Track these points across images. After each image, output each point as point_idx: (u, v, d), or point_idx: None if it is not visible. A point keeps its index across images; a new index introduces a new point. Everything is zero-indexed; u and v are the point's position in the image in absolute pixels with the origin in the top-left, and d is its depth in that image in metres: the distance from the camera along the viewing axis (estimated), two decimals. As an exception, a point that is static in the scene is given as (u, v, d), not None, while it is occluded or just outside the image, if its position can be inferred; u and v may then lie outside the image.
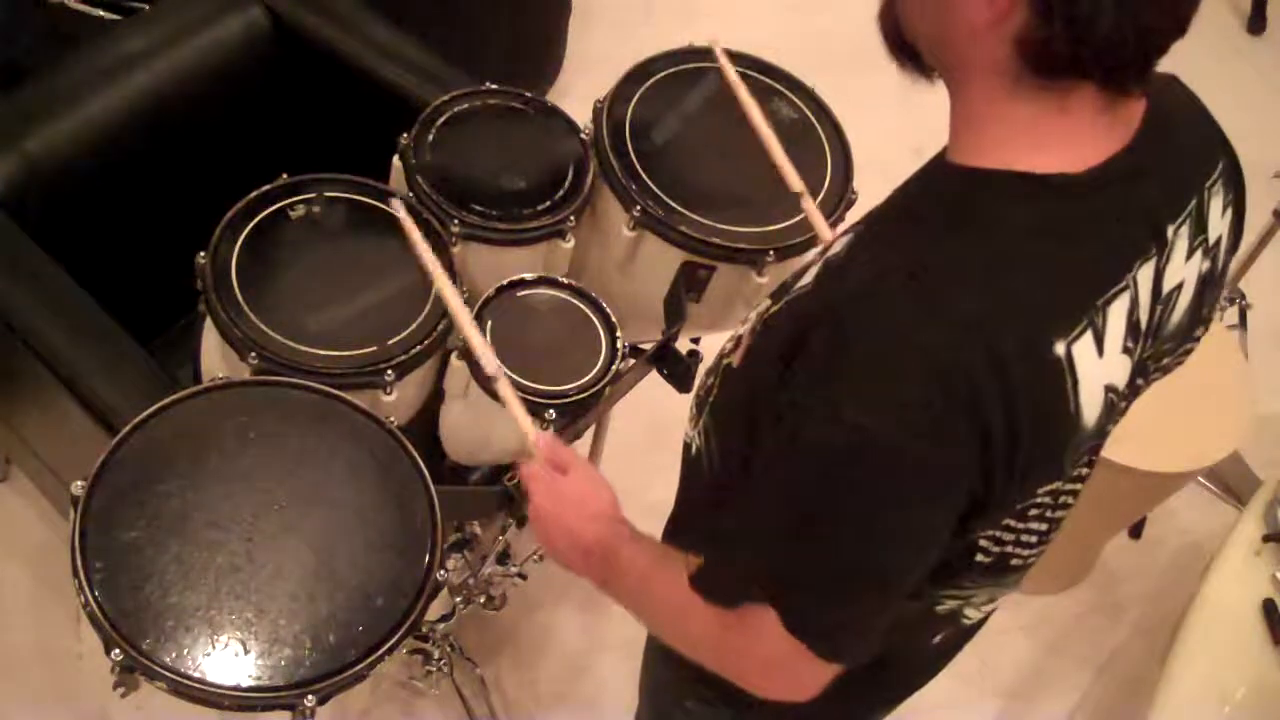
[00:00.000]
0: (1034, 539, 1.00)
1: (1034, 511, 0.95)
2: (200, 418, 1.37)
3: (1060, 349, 0.83)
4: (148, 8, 2.05)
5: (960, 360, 0.80)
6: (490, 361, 1.34)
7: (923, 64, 0.90)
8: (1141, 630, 2.34)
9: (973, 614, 1.12)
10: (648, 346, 1.67)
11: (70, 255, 1.64)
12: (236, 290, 1.48)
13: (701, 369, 1.22)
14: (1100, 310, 0.86)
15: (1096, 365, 0.86)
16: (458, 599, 1.92)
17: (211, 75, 1.87)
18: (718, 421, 1.06)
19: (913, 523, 0.86)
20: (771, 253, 1.58)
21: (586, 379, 1.49)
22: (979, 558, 0.98)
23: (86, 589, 1.22)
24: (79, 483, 1.29)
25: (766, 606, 0.90)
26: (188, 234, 1.51)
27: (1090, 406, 0.87)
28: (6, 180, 1.68)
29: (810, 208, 1.51)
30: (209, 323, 1.49)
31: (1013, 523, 0.96)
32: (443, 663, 1.96)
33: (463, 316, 1.40)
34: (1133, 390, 0.97)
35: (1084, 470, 0.99)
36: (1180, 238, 0.92)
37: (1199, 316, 1.00)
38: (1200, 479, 2.38)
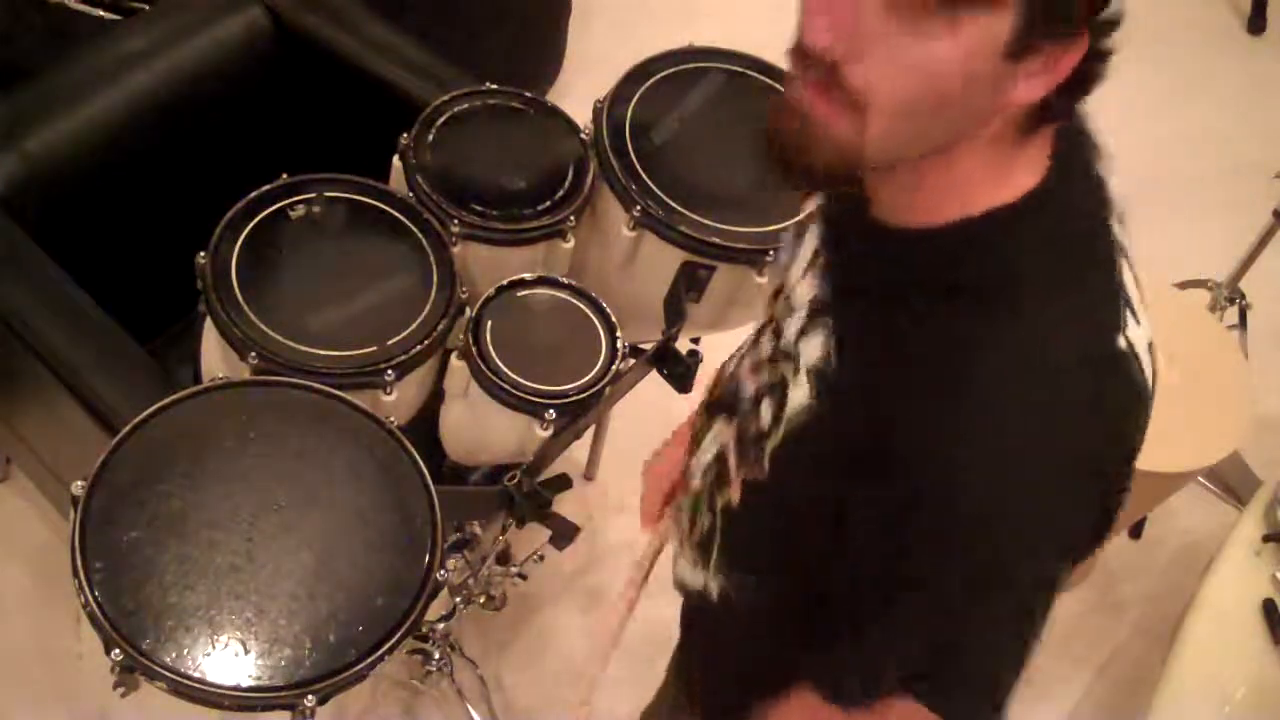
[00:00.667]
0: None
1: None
2: (200, 418, 1.37)
3: (1122, 343, 0.81)
4: (148, 8, 2.04)
5: (1067, 428, 0.78)
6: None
7: (852, 184, 0.83)
8: (1141, 630, 2.33)
9: None
10: (648, 346, 1.68)
11: (70, 255, 1.64)
12: (236, 290, 1.48)
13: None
14: (1121, 286, 0.84)
15: (1140, 333, 0.84)
16: (458, 599, 1.92)
17: (211, 75, 1.86)
18: (749, 559, 1.00)
19: (1045, 605, 0.86)
20: (771, 253, 1.58)
21: (586, 379, 1.49)
22: None
23: (86, 589, 1.22)
24: (79, 483, 1.29)
25: (908, 701, 0.85)
26: (188, 234, 1.51)
27: (1149, 373, 0.85)
28: (6, 180, 1.68)
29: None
30: (209, 323, 1.49)
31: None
32: (443, 663, 1.96)
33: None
34: None
35: None
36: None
37: None
38: (1200, 479, 2.38)
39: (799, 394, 0.90)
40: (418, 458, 1.38)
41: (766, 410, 0.94)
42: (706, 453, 1.05)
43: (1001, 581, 0.81)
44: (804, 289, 0.94)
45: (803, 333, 0.92)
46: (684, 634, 1.22)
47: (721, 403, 1.06)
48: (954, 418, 0.78)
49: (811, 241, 0.97)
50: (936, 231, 0.82)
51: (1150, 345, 0.87)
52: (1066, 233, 0.84)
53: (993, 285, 0.81)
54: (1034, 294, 0.80)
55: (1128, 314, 0.84)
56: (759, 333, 1.03)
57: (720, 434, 1.03)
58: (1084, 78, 0.77)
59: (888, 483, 0.80)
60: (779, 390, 0.92)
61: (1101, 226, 0.86)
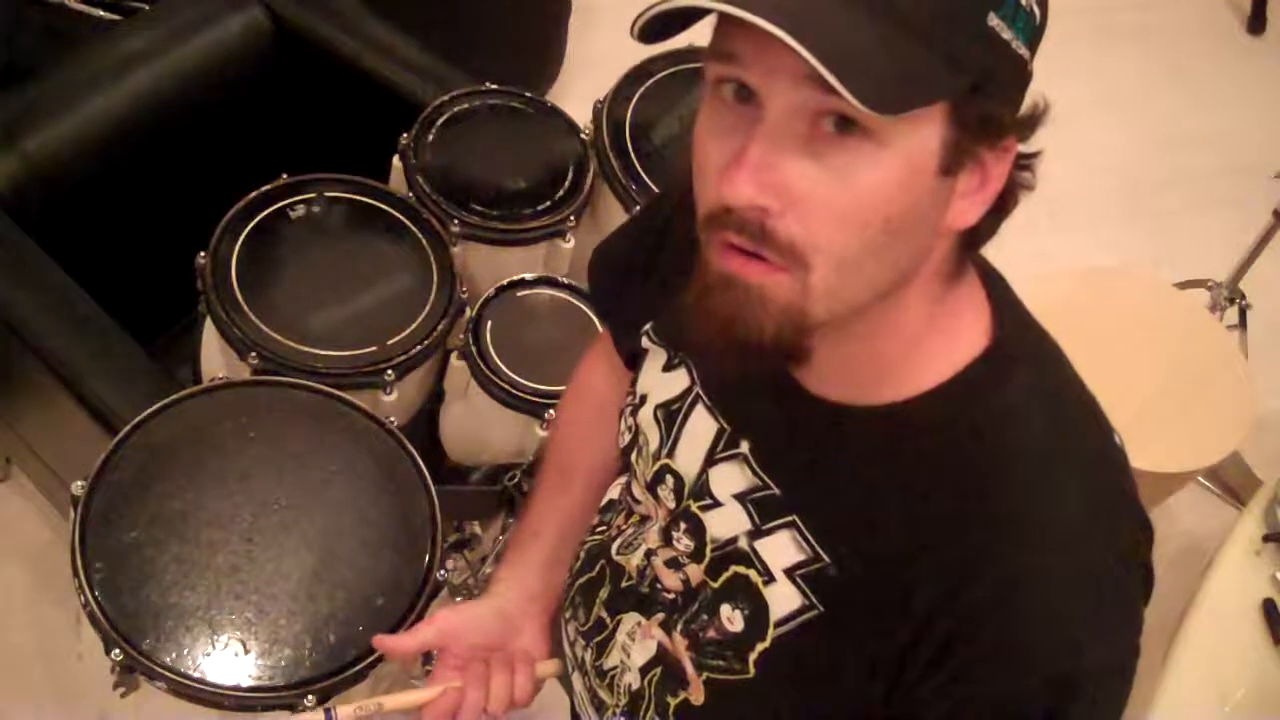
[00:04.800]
0: None
1: None
2: (200, 418, 1.37)
3: (1118, 439, 0.82)
4: (148, 8, 2.04)
5: (1118, 547, 0.78)
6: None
7: (802, 354, 0.74)
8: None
9: None
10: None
11: (70, 255, 1.64)
12: (236, 290, 1.48)
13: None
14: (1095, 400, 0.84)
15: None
16: (458, 599, 1.92)
17: (211, 75, 1.86)
18: None
19: None
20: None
21: (586, 379, 1.49)
22: None
23: (86, 589, 1.22)
24: (79, 483, 1.29)
25: None
26: (188, 234, 1.51)
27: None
28: (6, 180, 1.68)
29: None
30: (209, 323, 1.49)
31: None
32: (443, 663, 1.95)
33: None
34: None
35: None
36: None
37: None
38: (1200, 479, 2.38)
39: (785, 600, 0.83)
40: (418, 458, 1.38)
41: (734, 615, 0.86)
42: (634, 652, 0.96)
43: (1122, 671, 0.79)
44: (723, 481, 0.87)
45: (756, 534, 0.84)
46: None
47: (620, 596, 0.98)
48: (1014, 528, 0.75)
49: (704, 423, 0.89)
50: (909, 408, 0.77)
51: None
52: (1038, 367, 0.80)
53: (992, 435, 0.77)
54: (1032, 444, 0.77)
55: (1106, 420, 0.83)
56: (648, 517, 0.96)
57: (649, 630, 0.95)
58: (1012, 187, 0.73)
59: (965, 632, 0.75)
60: (744, 594, 0.85)
61: (1049, 342, 0.83)
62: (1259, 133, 3.12)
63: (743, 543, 0.85)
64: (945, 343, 0.77)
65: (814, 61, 0.60)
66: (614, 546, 1.00)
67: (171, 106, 1.82)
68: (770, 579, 0.83)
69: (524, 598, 1.09)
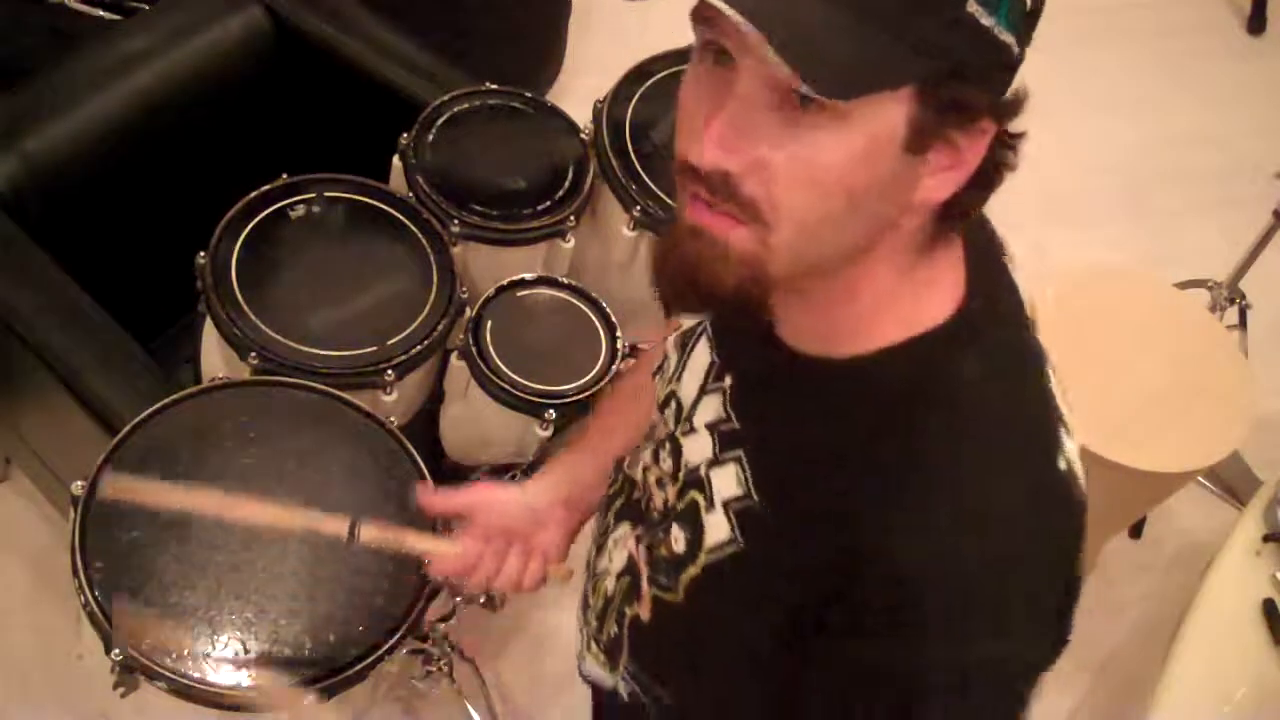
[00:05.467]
0: None
1: None
2: (200, 418, 1.37)
3: (1063, 464, 0.79)
4: (147, 8, 2.04)
5: (1017, 551, 0.76)
6: (338, 527, 1.13)
7: (763, 309, 0.76)
8: (1141, 630, 2.33)
9: None
10: (647, 347, 1.68)
11: (70, 255, 1.64)
12: (236, 290, 1.48)
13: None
14: (1059, 405, 0.82)
15: (1073, 449, 0.82)
16: (458, 599, 1.92)
17: (212, 75, 1.86)
18: (659, 669, 0.97)
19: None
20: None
21: (586, 379, 1.49)
22: None
23: (86, 589, 1.22)
24: (79, 483, 1.29)
25: None
26: (188, 234, 1.51)
27: (1083, 483, 0.83)
28: (6, 180, 1.68)
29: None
30: (209, 323, 1.49)
31: None
32: (443, 663, 1.96)
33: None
34: None
35: None
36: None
37: None
38: (1200, 479, 2.38)
39: (717, 529, 0.86)
40: (418, 458, 1.38)
41: (679, 536, 0.90)
42: (615, 558, 1.01)
43: (1004, 675, 0.79)
44: (704, 410, 0.90)
45: (713, 463, 0.87)
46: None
47: (627, 507, 1.02)
48: (941, 506, 0.75)
49: (703, 355, 0.92)
50: (866, 361, 0.78)
51: (1079, 452, 0.84)
52: (1001, 351, 0.80)
53: (939, 407, 0.76)
54: (975, 427, 0.77)
55: (1062, 432, 0.80)
56: (654, 437, 0.99)
57: (627, 540, 0.99)
58: (995, 166, 0.73)
59: (869, 595, 0.76)
60: (691, 518, 0.88)
61: (1028, 337, 0.82)
62: (1259, 133, 3.12)
63: (702, 470, 0.88)
64: (910, 307, 0.78)
65: (770, 49, 0.61)
66: (628, 461, 1.05)
67: (171, 106, 1.82)
68: (711, 507, 0.86)
69: (555, 501, 1.15)
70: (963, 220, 0.77)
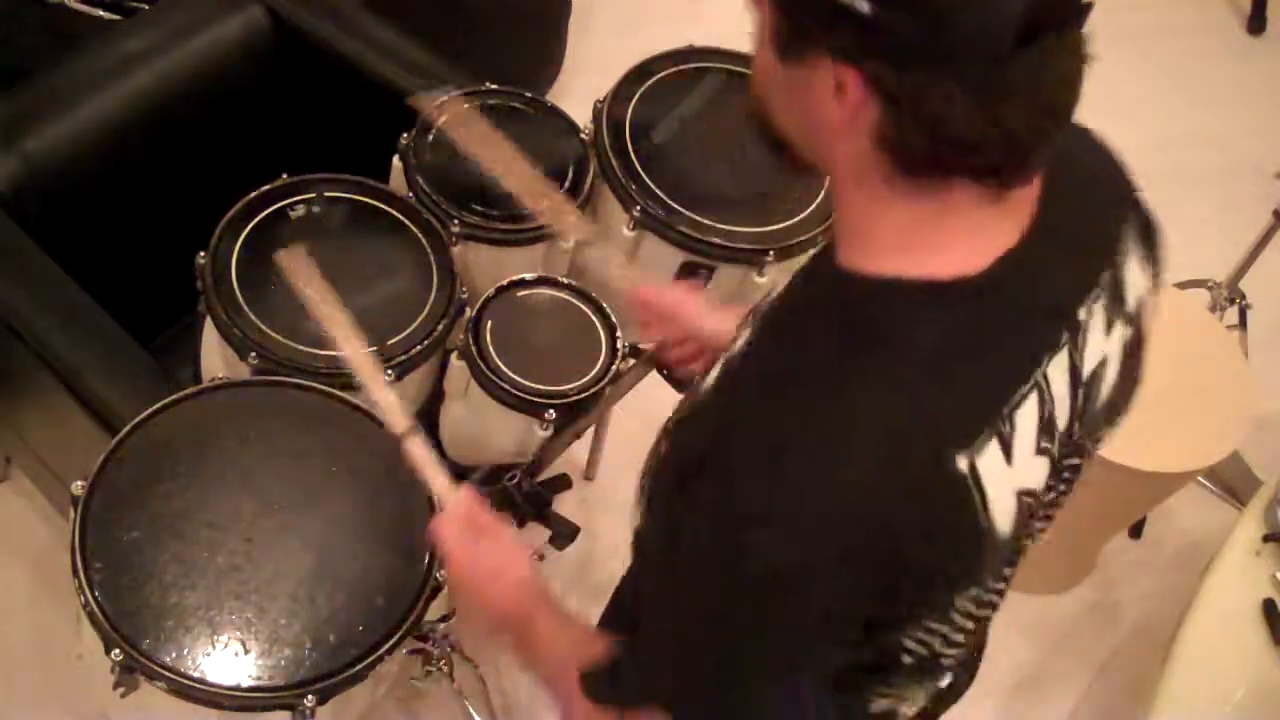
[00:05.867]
0: (962, 637, 0.98)
1: (957, 615, 0.93)
2: (200, 418, 1.37)
3: (963, 464, 0.79)
4: (147, 8, 2.04)
5: (863, 499, 0.77)
6: (399, 421, 1.24)
7: (801, 159, 0.85)
8: (1141, 630, 2.33)
9: (909, 711, 1.08)
10: (648, 346, 1.68)
11: (70, 255, 1.64)
12: (236, 290, 1.48)
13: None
14: (1007, 418, 0.82)
15: (1006, 474, 0.82)
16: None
17: (211, 75, 1.86)
18: (642, 513, 1.02)
19: (808, 652, 0.84)
20: (771, 253, 1.58)
21: (586, 379, 1.49)
22: (905, 659, 0.95)
23: (86, 589, 1.22)
24: (79, 483, 1.29)
25: (661, 711, 0.90)
26: (188, 234, 1.51)
27: (1002, 516, 0.83)
28: (6, 180, 1.68)
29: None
30: (209, 323, 1.49)
31: (935, 625, 0.93)
32: (443, 663, 1.96)
33: (367, 372, 1.30)
34: (1067, 472, 0.94)
35: (1007, 571, 0.96)
36: (1094, 315, 0.88)
37: (1131, 381, 0.96)
38: (1200, 479, 2.38)
39: (711, 377, 0.92)
40: (418, 458, 1.38)
41: (698, 382, 0.97)
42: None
43: (748, 614, 0.81)
44: (774, 292, 0.97)
45: (743, 324, 0.95)
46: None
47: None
48: (788, 460, 0.79)
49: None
50: (846, 276, 0.84)
51: (1020, 494, 0.84)
52: (971, 341, 0.81)
53: (878, 352, 0.80)
54: (889, 391, 0.79)
55: (994, 447, 0.81)
56: None
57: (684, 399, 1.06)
58: (976, 142, 0.74)
59: (704, 486, 0.82)
60: (706, 375, 0.96)
61: (1027, 354, 0.84)
62: (1259, 133, 3.12)
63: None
64: (892, 255, 0.81)
65: None
66: None
67: (171, 106, 1.82)
68: (718, 361, 0.95)
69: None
70: (921, 172, 0.78)
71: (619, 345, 1.53)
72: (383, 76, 1.87)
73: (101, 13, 2.13)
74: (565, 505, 1.59)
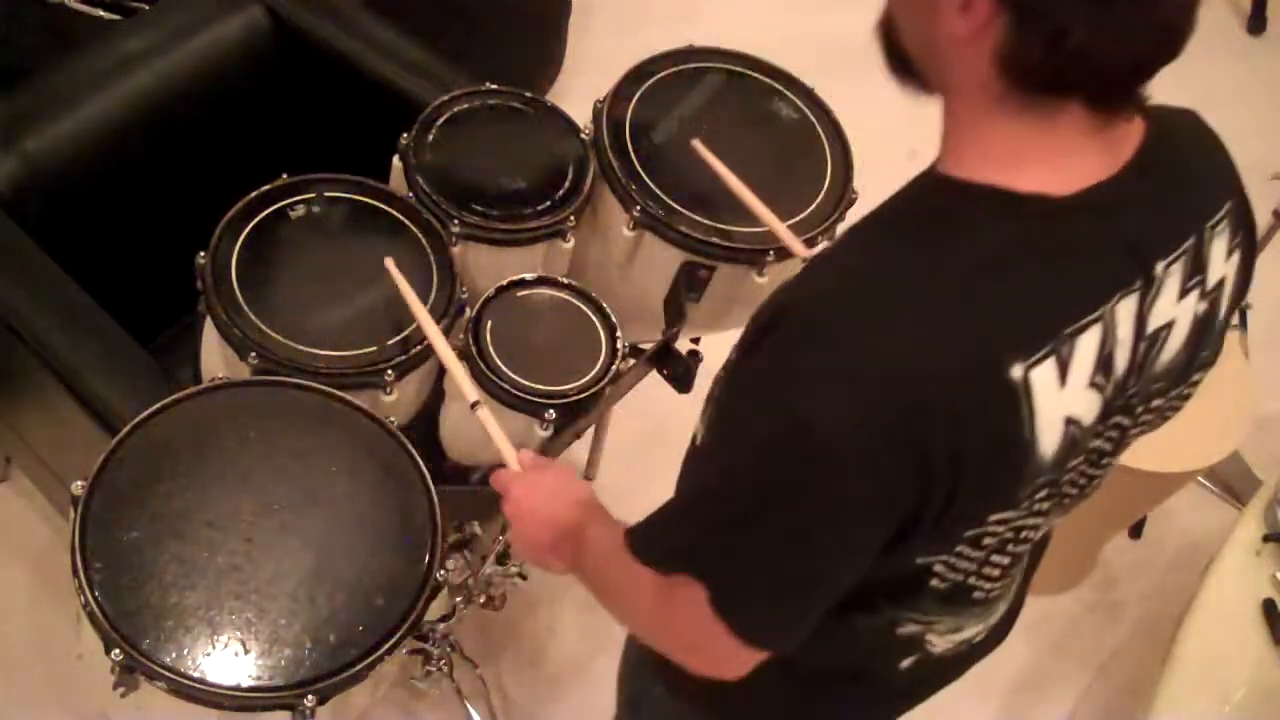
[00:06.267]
0: (996, 572, 0.99)
1: (989, 541, 0.94)
2: (200, 418, 1.37)
3: (1018, 372, 0.82)
4: (147, 8, 2.05)
5: (913, 376, 0.80)
6: (470, 391, 1.37)
7: (920, 78, 0.90)
8: (1141, 630, 2.34)
9: (937, 642, 1.10)
10: (648, 346, 1.68)
11: (70, 255, 1.64)
12: (236, 290, 1.48)
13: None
14: (1068, 340, 0.84)
15: (1057, 395, 0.84)
16: (458, 599, 1.92)
17: (211, 75, 1.87)
18: (707, 409, 1.06)
19: (840, 526, 0.86)
20: (771, 253, 1.58)
21: (586, 379, 1.49)
22: (934, 583, 0.98)
23: (86, 589, 1.22)
24: (79, 483, 1.29)
25: (696, 581, 0.92)
26: (188, 234, 1.51)
27: (1047, 436, 0.86)
28: (6, 180, 1.68)
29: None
30: (209, 323, 1.49)
31: (967, 550, 0.95)
32: (443, 663, 1.96)
33: (441, 345, 1.42)
34: (1113, 429, 0.96)
35: (1043, 505, 0.97)
36: (1171, 275, 0.90)
37: (1196, 359, 0.98)
38: (1200, 479, 2.38)
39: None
40: (418, 458, 1.38)
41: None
42: None
43: (786, 480, 0.84)
44: None
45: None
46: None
47: None
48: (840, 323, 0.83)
49: None
50: (937, 179, 0.88)
51: (1068, 420, 0.87)
52: (1046, 257, 0.84)
53: (947, 244, 0.84)
54: (956, 283, 0.82)
55: (1050, 365, 0.83)
56: None
57: None
58: (1096, 60, 0.78)
59: (764, 348, 0.86)
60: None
61: (1098, 284, 0.86)
62: (1259, 133, 3.11)
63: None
64: (991, 159, 0.85)
65: None
66: None
67: (171, 106, 1.82)
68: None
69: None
70: (1035, 88, 0.81)
71: (619, 345, 1.53)
72: (383, 76, 1.87)
73: (101, 13, 2.13)
74: (565, 505, 1.59)
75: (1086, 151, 0.85)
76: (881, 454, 0.81)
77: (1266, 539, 1.70)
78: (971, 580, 0.98)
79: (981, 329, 0.82)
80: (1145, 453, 1.98)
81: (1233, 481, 2.43)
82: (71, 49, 1.87)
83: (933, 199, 0.88)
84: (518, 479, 1.20)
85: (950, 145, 0.88)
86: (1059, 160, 0.84)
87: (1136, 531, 2.43)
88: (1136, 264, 0.88)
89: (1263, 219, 2.28)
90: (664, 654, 1.04)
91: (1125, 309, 0.87)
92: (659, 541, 0.99)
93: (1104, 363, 0.87)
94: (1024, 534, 0.97)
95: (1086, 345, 0.85)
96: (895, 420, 0.80)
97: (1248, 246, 0.99)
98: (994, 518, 0.91)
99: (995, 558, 0.97)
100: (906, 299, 0.82)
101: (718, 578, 0.91)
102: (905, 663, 1.13)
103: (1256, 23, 3.45)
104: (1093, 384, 0.87)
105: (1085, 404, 0.88)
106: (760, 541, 0.88)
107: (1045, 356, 0.83)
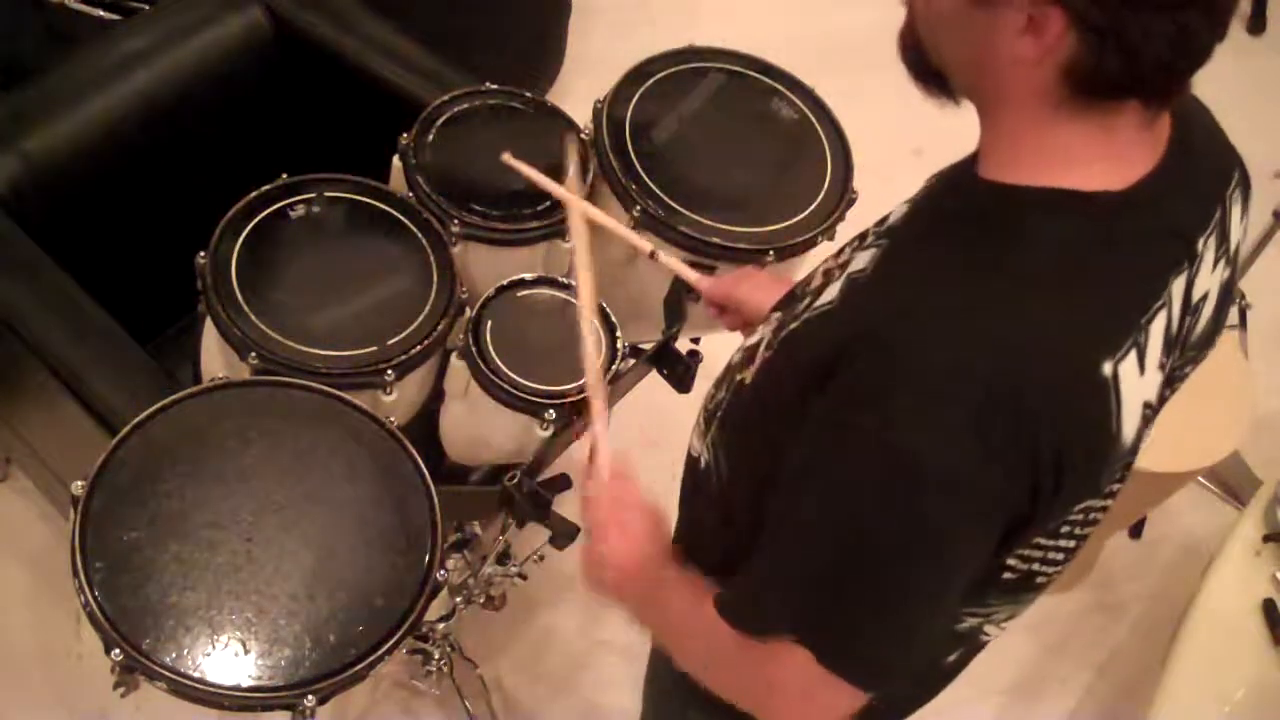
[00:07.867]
0: (1060, 555, 0.98)
1: (1065, 529, 0.95)
2: (200, 418, 1.37)
3: (1108, 369, 0.83)
4: (148, 8, 2.05)
5: (1011, 385, 0.79)
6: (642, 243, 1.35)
7: (947, 87, 0.90)
8: (1141, 630, 2.33)
9: (992, 631, 1.10)
10: (648, 346, 1.67)
11: (70, 255, 1.64)
12: (236, 290, 1.48)
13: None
14: (1144, 328, 0.86)
15: (1138, 383, 0.86)
16: (458, 599, 1.92)
17: (211, 75, 1.86)
18: (728, 438, 1.04)
19: (958, 548, 0.85)
20: (771, 253, 1.58)
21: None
22: (1006, 575, 0.97)
23: (86, 589, 1.22)
24: (79, 483, 1.29)
25: (802, 645, 0.89)
26: (188, 234, 1.51)
27: (1130, 424, 0.87)
28: (6, 180, 1.68)
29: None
30: (209, 323, 1.49)
31: (1043, 540, 0.95)
32: (443, 663, 1.96)
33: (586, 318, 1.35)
34: (1161, 404, 0.97)
35: (1116, 486, 0.98)
36: (1208, 249, 0.93)
37: (1219, 323, 1.01)
38: (1200, 479, 2.38)
39: (829, 294, 0.94)
40: (418, 458, 1.38)
41: (803, 306, 0.98)
42: (753, 338, 1.07)
43: (896, 514, 0.82)
44: (894, 215, 0.99)
45: (862, 246, 0.96)
46: (681, 492, 1.24)
47: (782, 301, 1.11)
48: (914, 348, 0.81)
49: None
50: (992, 186, 0.87)
51: (1145, 405, 0.88)
52: (1117, 251, 0.85)
53: (1025, 255, 0.83)
54: (1038, 291, 0.82)
55: (1133, 357, 0.84)
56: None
57: (769, 323, 1.06)
58: (1166, 60, 0.78)
59: (823, 396, 0.84)
60: (819, 291, 0.97)
61: (1161, 270, 0.88)
62: (1259, 133, 3.11)
63: (847, 252, 1.00)
64: (1046, 166, 0.85)
65: None
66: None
67: (171, 106, 1.82)
68: (838, 279, 0.96)
69: None
70: (1100, 95, 0.82)
71: (619, 345, 1.53)
72: (383, 76, 1.87)
73: (101, 13, 2.13)
74: (565, 505, 1.59)
75: (1139, 145, 0.86)
76: (990, 470, 0.80)
77: (1266, 539, 1.70)
78: (1037, 567, 0.98)
79: (1071, 330, 0.82)
80: (1145, 453, 1.98)
81: (1233, 481, 2.43)
82: (71, 49, 1.87)
83: (994, 206, 0.87)
84: (605, 499, 1.14)
85: (998, 151, 0.88)
86: (1117, 157, 0.85)
87: (1136, 531, 2.43)
88: (1184, 244, 0.90)
89: (1263, 219, 2.28)
90: (735, 704, 1.00)
91: (1178, 287, 0.90)
92: (757, 610, 0.95)
93: (1169, 343, 0.90)
94: (1093, 516, 0.97)
95: (1157, 330, 0.87)
96: (1002, 435, 0.79)
97: (1247, 207, 1.03)
98: (1077, 507, 0.92)
99: (1063, 543, 0.97)
100: (995, 313, 0.81)
101: (829, 640, 0.89)
102: (951, 657, 1.13)
103: (1256, 23, 3.44)
104: (1159, 366, 0.89)
105: (1155, 386, 0.90)
106: (879, 589, 0.86)
107: (1129, 350, 0.84)
